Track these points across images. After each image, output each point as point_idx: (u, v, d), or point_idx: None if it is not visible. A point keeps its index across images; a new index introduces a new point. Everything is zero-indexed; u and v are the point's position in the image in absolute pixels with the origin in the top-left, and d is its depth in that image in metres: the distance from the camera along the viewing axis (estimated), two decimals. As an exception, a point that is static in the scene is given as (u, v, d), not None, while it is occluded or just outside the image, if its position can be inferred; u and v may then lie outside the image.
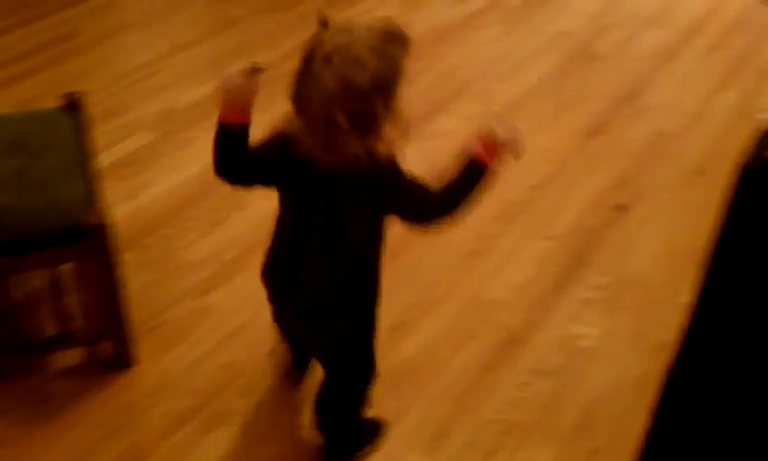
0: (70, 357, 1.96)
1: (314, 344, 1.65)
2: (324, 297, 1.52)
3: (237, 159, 1.47)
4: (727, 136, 2.79)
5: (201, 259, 2.24)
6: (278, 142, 1.43)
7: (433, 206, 1.45)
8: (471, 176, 1.43)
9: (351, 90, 1.30)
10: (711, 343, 1.51)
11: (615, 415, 1.86)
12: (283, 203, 1.52)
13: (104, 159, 2.55)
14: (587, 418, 1.86)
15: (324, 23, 1.35)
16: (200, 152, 2.65)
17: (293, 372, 1.91)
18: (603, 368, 1.98)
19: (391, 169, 1.41)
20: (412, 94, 3.12)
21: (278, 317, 1.74)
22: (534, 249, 2.32)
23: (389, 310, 1.97)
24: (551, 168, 2.64)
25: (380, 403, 1.86)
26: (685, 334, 1.53)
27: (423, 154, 2.60)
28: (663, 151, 2.73)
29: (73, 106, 2.01)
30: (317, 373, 1.81)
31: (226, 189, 2.47)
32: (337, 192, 1.43)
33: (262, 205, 2.44)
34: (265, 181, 1.51)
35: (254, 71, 1.41)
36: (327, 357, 1.64)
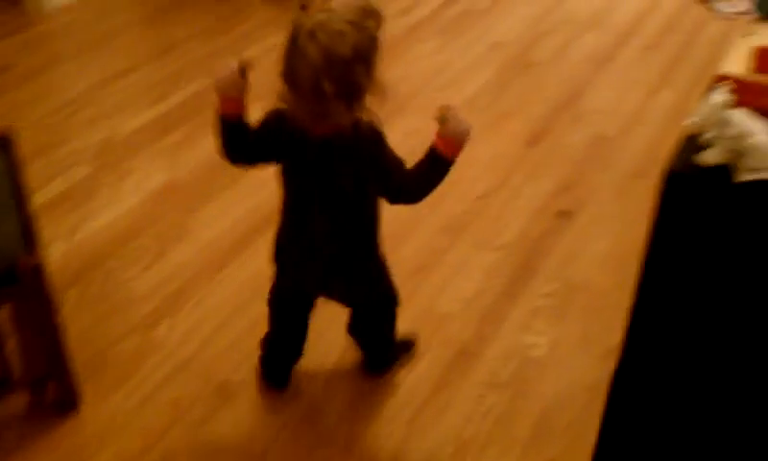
0: (14, 404, 1.90)
1: (344, 293, 1.80)
2: (341, 251, 1.68)
3: (240, 144, 1.61)
4: (666, 137, 2.84)
5: (145, 292, 2.20)
6: (274, 120, 1.58)
7: (405, 183, 1.60)
8: (434, 165, 1.58)
9: (335, 60, 1.42)
10: (649, 346, 1.53)
11: (570, 423, 1.87)
12: (286, 178, 1.65)
13: (42, 195, 2.50)
14: (541, 428, 1.86)
15: (303, 7, 1.46)
16: (141, 181, 2.61)
17: (271, 387, 1.95)
18: (555, 376, 1.99)
19: (376, 138, 1.57)
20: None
21: (300, 286, 1.82)
22: (482, 260, 2.33)
23: (341, 329, 1.96)
24: (495, 178, 2.65)
25: (334, 431, 1.85)
26: (625, 339, 1.55)
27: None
28: (604, 155, 2.76)
29: (4, 143, 1.95)
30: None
31: (168, 217, 2.47)
32: (331, 159, 1.57)
33: (205, 233, 2.41)
34: (266, 157, 1.64)
35: (243, 69, 1.55)
36: (359, 299, 1.82)
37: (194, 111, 2.95)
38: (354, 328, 1.94)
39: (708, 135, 1.35)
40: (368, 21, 1.48)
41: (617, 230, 2.42)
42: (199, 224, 2.45)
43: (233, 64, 1.55)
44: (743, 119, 1.34)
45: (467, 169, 2.68)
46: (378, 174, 1.59)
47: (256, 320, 2.12)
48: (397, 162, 1.59)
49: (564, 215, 2.49)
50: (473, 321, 2.14)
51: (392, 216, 2.11)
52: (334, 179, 1.59)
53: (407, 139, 2.81)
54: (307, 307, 1.86)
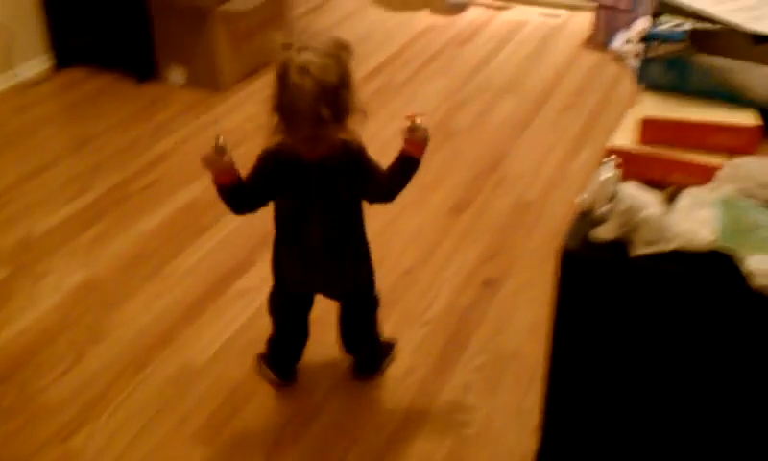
0: None
1: (340, 288, 2.06)
2: (338, 252, 1.95)
3: (242, 201, 1.90)
4: (586, 197, 2.87)
5: (61, 401, 2.11)
6: (270, 159, 1.87)
7: (385, 185, 1.92)
8: (407, 167, 1.90)
9: (327, 88, 1.70)
10: (568, 416, 1.52)
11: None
12: (283, 202, 1.93)
13: (-49, 306, 2.41)
14: (476, 509, 1.82)
15: (286, 46, 1.74)
16: (58, 281, 2.53)
17: (280, 384, 2.15)
18: (490, 452, 1.95)
19: (362, 152, 1.90)
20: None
21: (300, 288, 2.06)
22: (411, 337, 2.30)
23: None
24: (421, 250, 2.64)
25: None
26: (544, 411, 1.53)
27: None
28: (528, 219, 2.78)
29: None
30: None
31: (86, 318, 2.39)
32: (329, 176, 1.86)
33: (125, 331, 2.34)
34: (267, 198, 1.92)
35: (220, 149, 1.81)
36: (350, 292, 2.07)
37: (112, 205, 2.89)
38: (345, 328, 2.14)
39: (600, 211, 1.36)
40: (342, 53, 1.76)
41: (543, 297, 2.41)
42: (118, 322, 2.38)
43: (210, 150, 1.82)
44: (633, 193, 1.35)
45: (392, 242, 2.67)
46: (367, 181, 1.91)
47: (184, 417, 2.04)
48: (379, 169, 1.91)
49: (491, 284, 2.48)
50: (404, 401, 2.09)
51: (317, 299, 2.08)
52: (333, 193, 1.88)
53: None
54: (307, 307, 2.10)
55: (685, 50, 1.54)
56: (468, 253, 2.62)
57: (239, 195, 1.87)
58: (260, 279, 2.51)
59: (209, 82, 3.68)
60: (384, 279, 2.48)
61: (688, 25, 1.60)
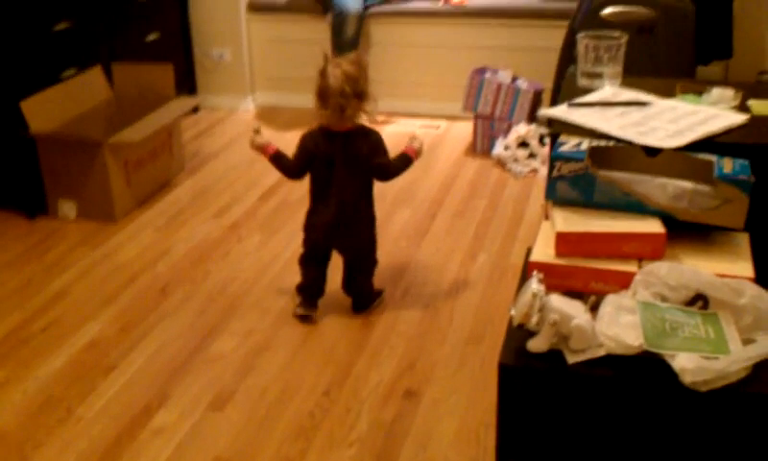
0: None
1: (349, 245, 2.86)
2: (354, 209, 2.78)
3: (288, 166, 2.85)
4: (490, 300, 2.99)
5: None
6: (307, 135, 2.79)
7: (390, 164, 2.80)
8: (405, 161, 2.82)
9: (350, 76, 2.64)
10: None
11: None
12: (315, 169, 2.79)
13: None
14: None
15: (325, 58, 2.70)
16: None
17: (305, 317, 2.91)
18: None
19: (376, 132, 2.77)
20: (181, 325, 3.04)
21: (320, 241, 2.86)
22: (339, 459, 2.28)
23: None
24: (337, 368, 2.65)
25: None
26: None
27: (207, 381, 2.54)
28: (438, 326, 2.85)
29: None
30: None
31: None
32: (352, 143, 2.72)
33: None
34: (310, 164, 2.79)
35: (256, 132, 2.83)
36: (357, 251, 2.88)
37: (12, 350, 2.77)
38: (347, 283, 2.93)
39: (532, 323, 1.44)
40: (362, 61, 2.73)
41: (464, 403, 2.47)
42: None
43: (251, 132, 2.83)
44: (560, 304, 1.44)
45: (307, 365, 2.67)
46: (378, 153, 2.76)
47: None
48: (387, 152, 2.79)
49: (412, 395, 2.52)
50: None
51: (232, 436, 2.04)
52: (353, 160, 2.72)
53: (245, 341, 2.79)
54: (325, 260, 2.91)
55: (587, 167, 1.67)
56: (385, 366, 2.66)
57: (283, 160, 2.82)
58: (177, 414, 2.46)
59: (102, 214, 3.62)
60: (303, 404, 2.49)
61: (586, 144, 1.74)
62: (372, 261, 2.93)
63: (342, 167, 2.71)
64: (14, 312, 2.98)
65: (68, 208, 3.66)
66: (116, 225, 3.61)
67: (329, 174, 2.73)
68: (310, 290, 2.91)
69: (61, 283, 3.18)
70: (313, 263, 2.90)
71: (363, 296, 2.94)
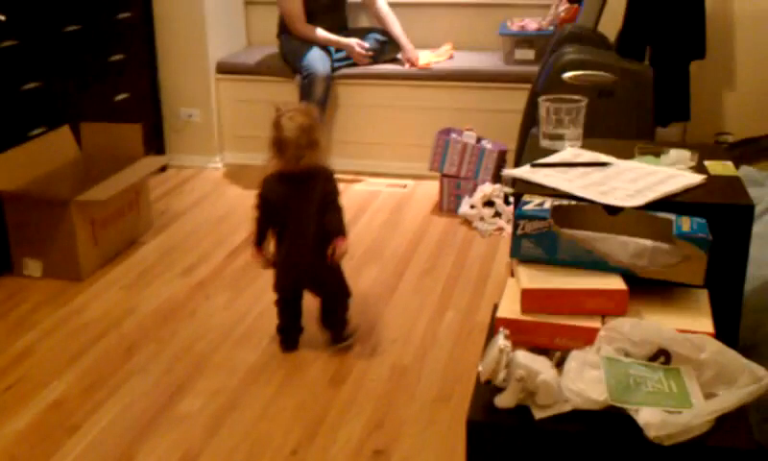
0: None
1: (318, 283, 3.02)
2: (315, 246, 2.89)
3: (259, 225, 2.98)
4: (459, 357, 3.01)
5: None
6: (266, 180, 2.93)
7: (340, 210, 2.94)
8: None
9: (305, 127, 2.80)
10: None
11: None
12: (275, 214, 2.92)
13: None
14: None
15: (278, 110, 2.84)
16: None
17: (288, 347, 3.09)
18: None
19: (330, 172, 2.95)
20: (147, 385, 3.01)
21: (296, 285, 3.03)
22: (306, 519, 2.27)
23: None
24: (305, 428, 2.64)
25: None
26: None
27: (174, 441, 2.51)
28: (406, 384, 2.86)
29: None
30: None
31: None
32: (306, 182, 2.87)
33: None
34: (271, 210, 2.93)
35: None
36: (327, 287, 3.03)
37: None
38: (324, 317, 3.06)
39: (499, 379, 1.46)
40: (312, 112, 2.94)
41: None
42: None
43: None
44: (526, 360, 1.47)
45: (275, 423, 2.66)
46: (331, 193, 2.91)
47: None
48: (338, 189, 2.95)
49: (381, 454, 2.51)
50: None
51: None
52: (310, 196, 2.86)
53: (212, 400, 2.77)
54: (298, 298, 3.05)
55: (551, 226, 1.72)
56: (354, 424, 2.65)
57: (256, 228, 2.97)
58: (143, 475, 2.43)
59: (68, 272, 3.60)
60: (273, 462, 2.46)
61: (549, 203, 1.79)
62: (345, 293, 3.05)
63: (298, 207, 2.86)
64: (-24, 371, 2.93)
65: (34, 267, 3.63)
66: (82, 283, 3.58)
67: (287, 215, 2.87)
68: (288, 331, 3.06)
69: (26, 342, 3.14)
70: (286, 304, 3.05)
71: (342, 328, 3.07)
